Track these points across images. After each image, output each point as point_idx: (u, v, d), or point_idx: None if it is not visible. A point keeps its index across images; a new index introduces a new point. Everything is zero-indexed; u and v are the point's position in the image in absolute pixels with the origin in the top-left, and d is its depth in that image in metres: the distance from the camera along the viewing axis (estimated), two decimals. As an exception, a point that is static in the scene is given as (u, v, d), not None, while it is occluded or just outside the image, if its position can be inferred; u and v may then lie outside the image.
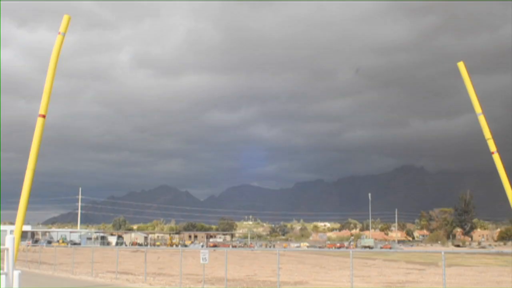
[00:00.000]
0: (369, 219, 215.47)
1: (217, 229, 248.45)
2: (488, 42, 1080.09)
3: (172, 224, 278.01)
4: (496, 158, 12.41)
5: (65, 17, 15.55)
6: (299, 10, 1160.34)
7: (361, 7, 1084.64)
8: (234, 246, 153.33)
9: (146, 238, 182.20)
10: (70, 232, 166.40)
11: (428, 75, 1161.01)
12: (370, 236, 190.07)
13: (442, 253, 22.58)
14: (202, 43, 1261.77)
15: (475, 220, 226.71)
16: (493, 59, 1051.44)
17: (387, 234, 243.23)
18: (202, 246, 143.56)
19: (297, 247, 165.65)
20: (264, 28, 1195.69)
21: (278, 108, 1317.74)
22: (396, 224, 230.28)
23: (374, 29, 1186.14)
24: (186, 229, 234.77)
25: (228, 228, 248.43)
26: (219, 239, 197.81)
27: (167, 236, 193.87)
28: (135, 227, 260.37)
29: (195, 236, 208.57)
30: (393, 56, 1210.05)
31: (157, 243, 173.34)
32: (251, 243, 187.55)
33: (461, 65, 13.23)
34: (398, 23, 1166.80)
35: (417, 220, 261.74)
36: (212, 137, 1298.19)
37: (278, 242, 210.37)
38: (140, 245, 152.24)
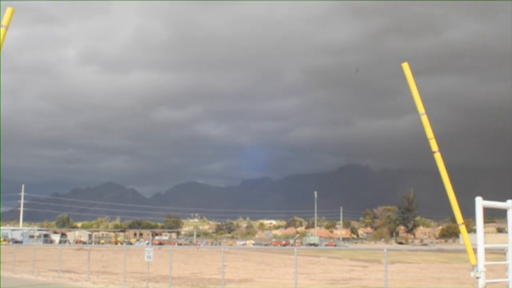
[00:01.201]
0: (314, 217, 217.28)
1: (163, 227, 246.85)
2: (433, 44, 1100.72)
3: (117, 221, 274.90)
4: (438, 157, 12.65)
5: (9, 10, 15.19)
6: (248, 9, 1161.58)
7: (310, 7, 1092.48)
8: (180, 244, 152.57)
9: (90, 236, 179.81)
10: (12, 230, 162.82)
11: (375, 75, 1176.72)
12: (316, 234, 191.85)
13: (385, 250, 22.92)
14: (151, 40, 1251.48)
15: (417, 218, 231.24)
16: (437, 61, 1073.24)
17: (332, 232, 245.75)
18: (148, 244, 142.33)
19: (243, 244, 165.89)
20: (213, 26, 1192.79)
21: (226, 106, 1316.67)
22: (341, 222, 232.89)
23: (322, 30, 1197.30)
24: (132, 226, 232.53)
25: (174, 226, 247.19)
26: (164, 237, 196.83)
27: (112, 234, 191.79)
28: (79, 225, 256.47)
29: (141, 234, 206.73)
30: (341, 56, 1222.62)
31: (102, 241, 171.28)
32: (197, 241, 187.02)
33: (405, 66, 13.43)
34: (345, 23, 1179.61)
35: (361, 218, 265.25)
36: (159, 134, 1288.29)
37: (224, 239, 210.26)
38: (84, 243, 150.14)
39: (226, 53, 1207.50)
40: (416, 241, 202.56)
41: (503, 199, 14.05)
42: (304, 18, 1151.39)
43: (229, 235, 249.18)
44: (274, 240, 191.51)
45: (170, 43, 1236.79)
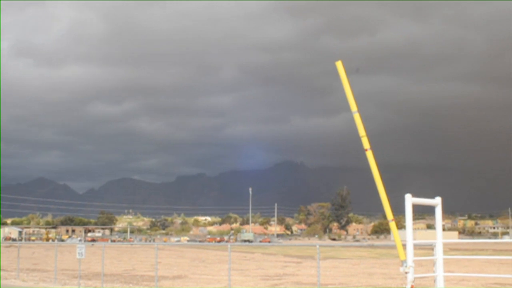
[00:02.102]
0: (249, 213, 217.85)
1: (96, 223, 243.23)
2: (368, 44, 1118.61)
3: (49, 218, 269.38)
4: (369, 155, 12.86)
5: None
6: (186, 6, 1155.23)
7: (248, 5, 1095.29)
8: (113, 241, 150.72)
9: (20, 232, 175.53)
10: None
11: (310, 74, 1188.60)
12: (250, 230, 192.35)
13: (317, 246, 23.21)
14: (86, 33, 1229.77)
15: (351, 214, 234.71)
16: (371, 61, 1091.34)
17: (266, 228, 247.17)
18: (80, 240, 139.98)
19: (177, 241, 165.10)
20: (151, 22, 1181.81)
21: (163, 101, 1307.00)
22: (275, 219, 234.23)
23: (260, 28, 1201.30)
24: (64, 223, 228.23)
25: (107, 222, 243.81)
26: (97, 233, 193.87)
27: (43, 231, 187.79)
28: (9, 221, 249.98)
29: (73, 231, 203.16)
30: (277, 54, 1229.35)
31: (32, 237, 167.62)
32: (130, 238, 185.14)
33: (339, 64, 13.58)
34: (282, 22, 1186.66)
35: (295, 215, 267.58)
36: (93, 129, 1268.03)
37: (159, 236, 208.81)
38: (14, 240, 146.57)
39: (163, 49, 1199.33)
40: (349, 237, 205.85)
41: (433, 196, 14.42)
42: (242, 16, 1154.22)
43: (164, 231, 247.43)
44: (208, 236, 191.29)
45: (106, 37, 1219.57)
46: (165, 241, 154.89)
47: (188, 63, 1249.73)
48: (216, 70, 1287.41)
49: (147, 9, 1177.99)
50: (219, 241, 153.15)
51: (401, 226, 76.91)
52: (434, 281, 14.35)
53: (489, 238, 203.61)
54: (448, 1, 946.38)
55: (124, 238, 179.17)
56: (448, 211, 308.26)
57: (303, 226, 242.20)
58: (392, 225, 13.42)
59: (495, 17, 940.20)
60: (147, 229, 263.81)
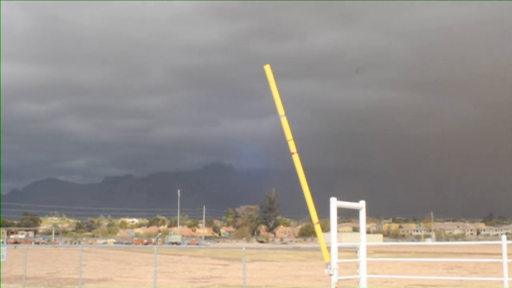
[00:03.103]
0: (177, 215, 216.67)
1: (19, 225, 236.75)
2: (297, 49, 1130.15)
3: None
4: (296, 158, 13.01)
5: None
6: (115, 6, 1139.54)
7: (177, 7, 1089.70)
8: (37, 243, 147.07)
9: None
10: None
11: (240, 76, 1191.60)
12: (178, 233, 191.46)
13: (244, 249, 23.32)
14: (12, 30, 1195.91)
15: (279, 217, 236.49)
16: (300, 66, 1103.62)
17: (194, 231, 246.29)
18: (2, 243, 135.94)
19: (104, 243, 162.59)
20: (79, 21, 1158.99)
21: (90, 101, 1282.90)
22: (203, 221, 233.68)
23: (189, 30, 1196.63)
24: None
25: (31, 224, 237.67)
26: (21, 235, 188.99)
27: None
28: None
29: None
30: (207, 56, 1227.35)
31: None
32: (55, 240, 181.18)
33: (267, 68, 13.69)
34: (212, 25, 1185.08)
35: (224, 217, 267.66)
36: (17, 129, 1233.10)
37: (84, 238, 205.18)
38: None
39: (92, 49, 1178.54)
40: (276, 240, 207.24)
41: (359, 199, 14.71)
42: (172, 18, 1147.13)
43: (90, 233, 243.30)
44: (136, 238, 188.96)
45: (33, 35, 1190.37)
46: (91, 243, 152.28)
47: (116, 63, 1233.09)
48: (144, 71, 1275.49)
49: (75, 8, 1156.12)
50: (146, 243, 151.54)
51: (327, 229, 77.81)
52: (358, 283, 14.63)
53: (413, 240, 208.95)
54: (375, 9, 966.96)
55: (49, 240, 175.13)
56: (373, 215, 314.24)
57: (231, 228, 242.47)
58: (317, 228, 13.62)
59: (420, 26, 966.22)
60: (73, 231, 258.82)
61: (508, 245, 14.11)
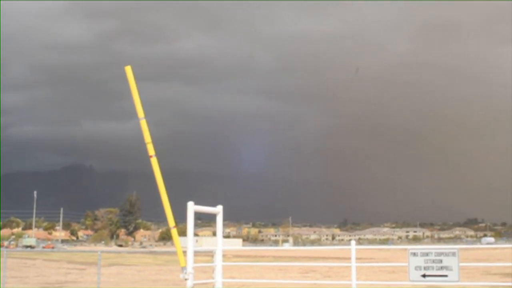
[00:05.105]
0: (33, 217, 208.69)
1: None
2: (162, 52, 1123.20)
3: None
4: (154, 161, 12.96)
5: None
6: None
7: (42, 4, 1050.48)
8: None
9: None
10: None
11: (103, 77, 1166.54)
12: (33, 236, 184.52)
13: (99, 252, 22.86)
14: None
15: (139, 221, 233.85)
16: (164, 69, 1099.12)
17: (51, 234, 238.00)
18: None
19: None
20: None
21: None
22: (61, 223, 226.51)
23: (53, 27, 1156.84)
24: None
25: None
26: None
27: None
28: None
29: None
30: (70, 55, 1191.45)
31: None
32: None
33: (128, 69, 13.53)
34: (77, 23, 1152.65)
35: (82, 220, 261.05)
36: None
37: None
38: None
39: None
40: (136, 244, 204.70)
41: (219, 204, 14.85)
42: (33, 14, 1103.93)
43: None
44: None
45: None
46: None
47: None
48: (3, 66, 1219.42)
49: None
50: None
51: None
52: (213, 287, 14.76)
53: (271, 245, 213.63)
54: (242, 17, 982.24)
55: None
56: (234, 219, 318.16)
57: (90, 232, 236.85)
58: (174, 232, 13.61)
59: (283, 37, 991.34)
60: None
61: (358, 249, 14.77)
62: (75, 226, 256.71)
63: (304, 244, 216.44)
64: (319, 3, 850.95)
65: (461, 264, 14.80)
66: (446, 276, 14.49)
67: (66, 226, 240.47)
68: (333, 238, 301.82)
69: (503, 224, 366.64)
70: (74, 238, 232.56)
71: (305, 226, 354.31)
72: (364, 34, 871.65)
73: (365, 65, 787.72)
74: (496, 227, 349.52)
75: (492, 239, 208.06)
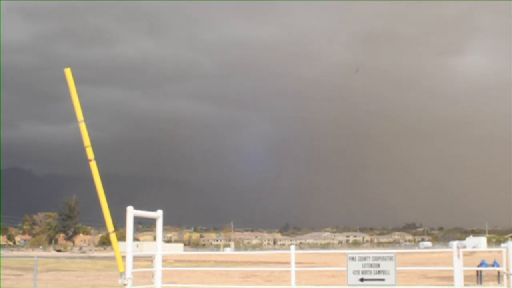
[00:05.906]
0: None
1: None
2: (102, 55, 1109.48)
3: None
4: (93, 165, 12.81)
5: None
6: None
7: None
8: None
9: None
10: None
11: (42, 79, 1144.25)
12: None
13: (36, 258, 22.46)
14: None
15: (78, 225, 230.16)
16: (105, 72, 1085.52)
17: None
18: None
19: None
20: None
21: None
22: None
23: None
24: None
25: None
26: None
27: None
28: None
29: None
30: (7, 56, 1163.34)
31: None
32: None
33: (67, 72, 13.36)
34: (14, 23, 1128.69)
35: (20, 224, 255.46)
36: None
37: None
38: None
39: None
40: (75, 249, 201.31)
41: (160, 208, 14.76)
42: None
43: None
44: None
45: None
46: None
47: None
48: None
49: None
50: None
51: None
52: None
53: (212, 250, 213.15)
54: (184, 23, 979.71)
55: None
56: (175, 224, 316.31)
57: (27, 236, 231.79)
58: (113, 237, 13.48)
59: (225, 42, 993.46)
60: None
61: (299, 254, 14.89)
62: (12, 230, 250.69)
63: (245, 249, 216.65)
64: (261, 9, 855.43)
65: (398, 268, 15.10)
66: (383, 280, 14.75)
67: (3, 231, 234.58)
68: (275, 242, 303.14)
69: (440, 228, 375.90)
70: (11, 243, 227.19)
71: (247, 230, 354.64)
72: (304, 41, 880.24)
73: (305, 72, 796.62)
74: (433, 232, 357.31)
75: (429, 244, 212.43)
